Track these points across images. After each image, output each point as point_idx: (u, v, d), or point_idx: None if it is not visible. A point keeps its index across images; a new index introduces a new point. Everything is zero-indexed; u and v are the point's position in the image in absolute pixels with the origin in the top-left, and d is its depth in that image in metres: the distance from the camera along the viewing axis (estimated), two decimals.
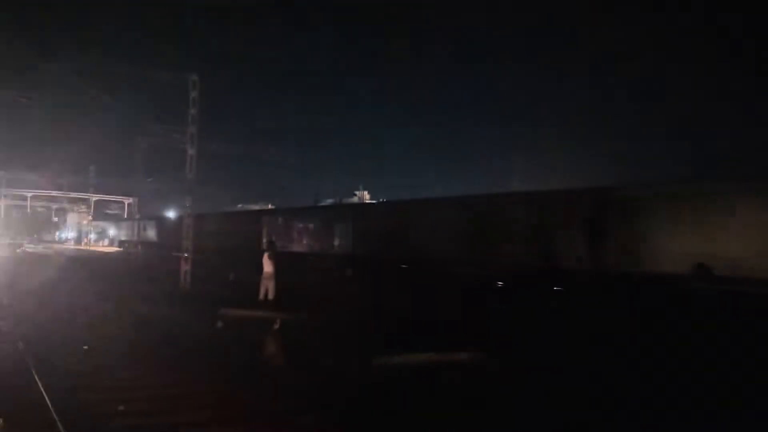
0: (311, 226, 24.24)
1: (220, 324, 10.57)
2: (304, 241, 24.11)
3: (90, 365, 7.23)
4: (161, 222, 44.19)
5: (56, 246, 59.69)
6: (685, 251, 10.70)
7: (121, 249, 52.75)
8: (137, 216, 55.74)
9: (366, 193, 63.70)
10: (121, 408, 5.56)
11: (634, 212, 11.78)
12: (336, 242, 21.68)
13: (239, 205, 58.13)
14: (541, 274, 12.98)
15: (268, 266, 13.17)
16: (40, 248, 49.90)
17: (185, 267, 18.76)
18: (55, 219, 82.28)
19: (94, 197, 66.76)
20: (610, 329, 9.77)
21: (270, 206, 51.36)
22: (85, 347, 8.23)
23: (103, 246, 60.87)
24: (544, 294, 12.69)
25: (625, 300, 10.90)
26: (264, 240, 26.60)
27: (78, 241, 69.48)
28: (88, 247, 53.44)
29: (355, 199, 59.98)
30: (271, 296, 12.89)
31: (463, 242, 15.62)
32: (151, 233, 43.09)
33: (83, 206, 69.51)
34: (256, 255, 22.61)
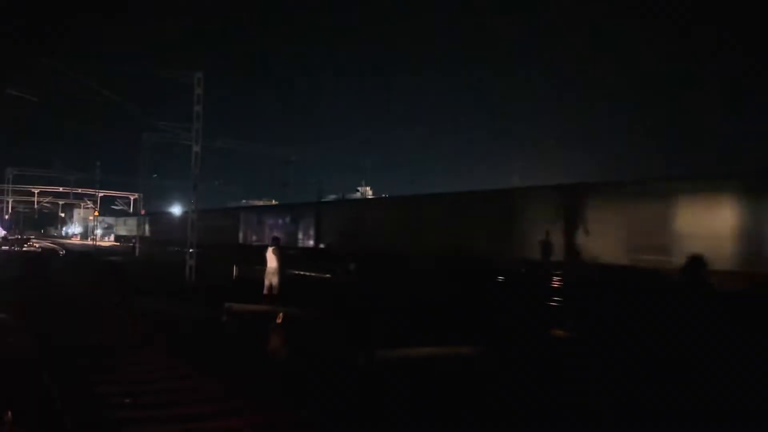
0: (280, 221, 26.17)
1: (224, 318, 10.73)
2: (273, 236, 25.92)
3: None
4: (157, 218, 45.00)
5: (63, 241, 60.13)
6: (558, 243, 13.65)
7: (118, 243, 53.71)
8: (141, 212, 56.11)
9: (368, 188, 63.70)
10: (127, 401, 5.71)
11: (519, 211, 15.01)
12: (301, 236, 23.61)
13: (243, 201, 58.38)
14: (448, 262, 15.77)
15: (272, 261, 13.30)
16: (47, 243, 50.29)
17: (190, 262, 18.93)
18: (62, 214, 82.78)
19: (100, 193, 67.05)
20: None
21: (274, 202, 51.55)
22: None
23: (109, 241, 61.25)
24: (449, 276, 15.33)
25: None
26: (240, 234, 28.56)
27: (85, 236, 69.90)
28: (94, 243, 53.74)
29: (358, 195, 60.01)
30: (275, 290, 13.04)
31: (396, 235, 18.68)
32: (148, 229, 43.90)
33: (89, 202, 69.84)
34: (233, 248, 25.45)
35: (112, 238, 63.51)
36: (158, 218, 45.17)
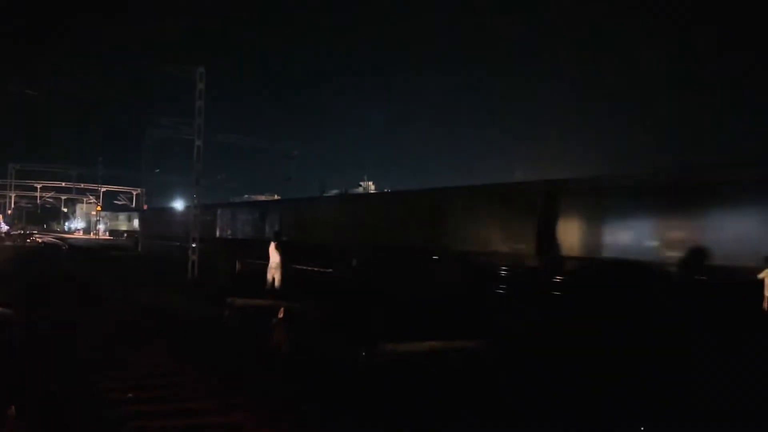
0: (250, 217, 28.39)
1: (227, 313, 10.74)
2: (245, 230, 28.04)
3: None
4: (151, 214, 45.77)
5: (66, 236, 60.26)
6: (476, 236, 15.87)
7: (112, 238, 54.46)
8: (144, 207, 56.33)
9: (371, 183, 63.71)
10: (130, 395, 5.72)
11: (447, 209, 17.03)
12: (267, 230, 25.42)
13: (245, 196, 58.37)
14: (394, 253, 17.72)
15: (274, 256, 13.31)
16: (49, 238, 50.41)
17: (192, 257, 18.95)
18: (65, 209, 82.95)
19: (103, 188, 67.15)
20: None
21: (276, 197, 51.56)
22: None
23: (105, 236, 61.48)
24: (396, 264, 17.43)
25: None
26: (217, 228, 30.63)
27: (87, 231, 70.05)
28: (96, 237, 53.92)
29: (361, 190, 60.03)
30: (277, 284, 13.06)
31: (347, 230, 20.42)
32: (143, 224, 44.92)
33: (92, 197, 69.95)
34: (211, 241, 27.36)
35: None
36: (152, 214, 46.32)
